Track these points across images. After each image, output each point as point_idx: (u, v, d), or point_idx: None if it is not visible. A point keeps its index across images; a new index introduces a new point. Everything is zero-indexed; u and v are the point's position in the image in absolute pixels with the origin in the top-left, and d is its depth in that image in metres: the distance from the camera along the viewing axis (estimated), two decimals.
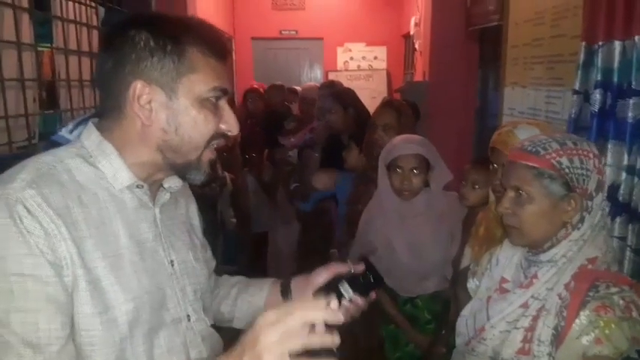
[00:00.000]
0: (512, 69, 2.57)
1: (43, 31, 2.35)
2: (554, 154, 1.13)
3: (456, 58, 4.18)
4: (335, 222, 2.84)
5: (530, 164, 1.15)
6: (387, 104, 2.55)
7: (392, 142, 2.11)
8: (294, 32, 7.25)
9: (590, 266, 1.13)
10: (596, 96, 1.64)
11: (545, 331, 1.11)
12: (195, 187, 1.12)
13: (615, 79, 1.61)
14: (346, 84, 4.03)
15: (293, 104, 4.64)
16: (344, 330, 0.72)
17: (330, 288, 1.07)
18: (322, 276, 1.13)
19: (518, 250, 1.29)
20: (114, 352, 0.87)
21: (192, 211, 1.17)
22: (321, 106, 3.18)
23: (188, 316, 1.01)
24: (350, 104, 3.12)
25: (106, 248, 0.88)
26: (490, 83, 3.92)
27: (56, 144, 0.93)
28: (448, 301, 1.97)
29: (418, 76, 5.29)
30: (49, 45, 2.42)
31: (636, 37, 1.53)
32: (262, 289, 1.21)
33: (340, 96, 3.15)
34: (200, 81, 0.91)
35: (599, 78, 1.64)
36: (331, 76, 6.62)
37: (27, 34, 2.19)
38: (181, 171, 0.98)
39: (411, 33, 5.62)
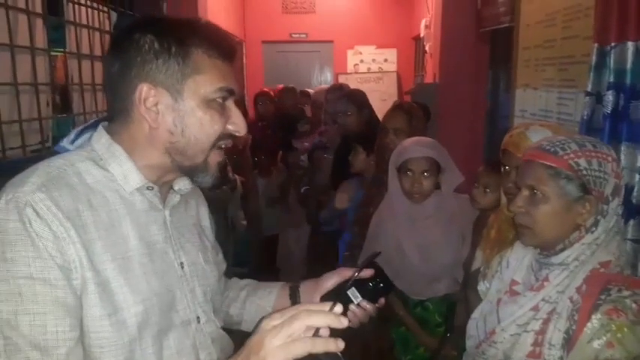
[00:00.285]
0: (523, 71, 2.55)
1: (57, 36, 2.38)
2: (572, 155, 1.12)
3: (466, 60, 4.17)
4: (345, 225, 2.84)
5: (548, 163, 1.14)
6: (397, 107, 2.55)
7: (402, 144, 2.10)
8: (304, 35, 7.26)
9: (602, 270, 1.12)
10: (609, 97, 1.63)
11: (556, 334, 1.10)
12: (206, 190, 1.12)
13: (628, 81, 1.59)
14: (356, 86, 4.03)
15: (306, 107, 4.65)
16: (354, 332, 0.72)
17: (339, 292, 1.07)
18: (331, 280, 1.13)
19: (529, 252, 1.28)
20: (123, 353, 0.87)
21: (202, 212, 1.17)
22: (335, 108, 3.16)
23: (198, 317, 1.01)
24: (364, 105, 3.13)
25: (115, 250, 0.89)
26: (501, 85, 3.90)
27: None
28: (454, 303, 1.96)
29: (429, 79, 5.28)
30: (62, 50, 2.45)
31: None
32: (271, 293, 1.22)
33: (355, 97, 3.15)
34: (206, 82, 0.92)
35: (611, 79, 1.63)
36: (341, 79, 6.62)
37: (40, 39, 2.22)
38: (189, 173, 0.98)
39: (422, 35, 5.61)
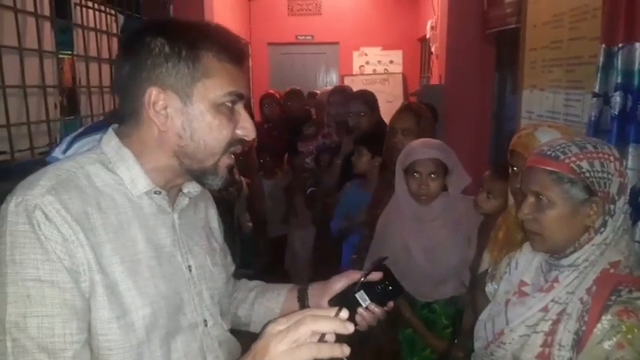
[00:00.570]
0: (530, 72, 2.54)
1: (64, 39, 2.40)
2: (573, 158, 1.12)
3: (472, 61, 4.16)
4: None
5: (550, 169, 1.14)
6: (406, 108, 2.54)
7: (410, 145, 2.10)
8: (310, 37, 7.27)
9: (612, 270, 1.12)
10: (616, 99, 1.62)
11: (566, 335, 1.10)
12: (213, 192, 1.12)
13: (636, 82, 1.58)
14: (362, 88, 4.03)
15: (313, 109, 4.65)
16: (363, 334, 0.72)
17: (347, 295, 1.06)
18: (339, 283, 1.13)
19: (538, 253, 1.27)
20: (131, 356, 0.88)
21: (211, 215, 1.17)
22: (346, 109, 3.15)
23: (205, 321, 1.01)
24: (376, 107, 3.13)
25: (124, 253, 0.89)
26: (507, 86, 3.89)
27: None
28: (461, 308, 1.96)
29: (434, 80, 5.27)
30: (69, 52, 2.46)
31: None
32: (279, 295, 1.22)
33: (368, 98, 3.16)
34: (215, 86, 0.92)
35: (619, 80, 1.62)
36: (347, 81, 6.63)
37: (48, 42, 2.24)
38: (198, 177, 0.98)
39: (427, 36, 5.60)
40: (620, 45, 1.61)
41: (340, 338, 0.71)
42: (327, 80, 7.42)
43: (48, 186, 0.84)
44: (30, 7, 2.07)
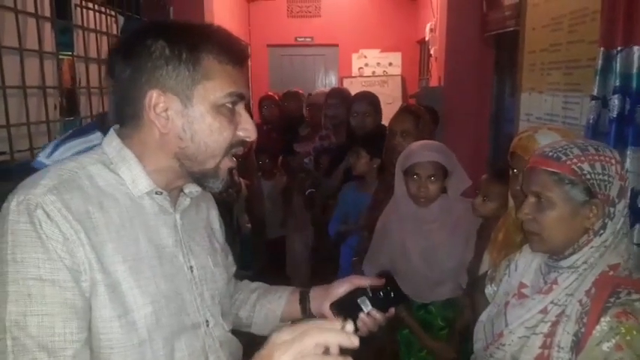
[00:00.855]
0: (529, 74, 2.56)
1: (65, 40, 2.40)
2: (575, 160, 1.13)
3: (471, 64, 4.17)
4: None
5: (551, 170, 1.15)
6: (405, 110, 2.55)
7: (410, 147, 2.10)
8: (309, 39, 7.27)
9: (611, 273, 1.12)
10: (615, 102, 1.63)
11: (565, 337, 1.11)
12: (213, 193, 1.13)
13: (634, 85, 1.59)
14: (362, 90, 4.03)
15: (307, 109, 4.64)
16: (364, 338, 0.71)
17: (350, 301, 1.06)
18: (341, 288, 1.13)
19: (537, 255, 1.28)
20: (132, 354, 0.88)
21: (213, 215, 1.18)
22: (355, 110, 3.14)
23: (207, 321, 1.02)
24: (379, 109, 3.13)
25: (125, 252, 0.89)
26: (506, 89, 3.90)
27: (35, 170, 0.94)
28: (459, 308, 1.97)
29: (434, 82, 5.28)
30: (70, 53, 2.47)
31: None
32: (281, 297, 1.22)
33: (374, 99, 3.15)
34: (216, 88, 0.92)
35: (617, 83, 1.63)
36: (346, 83, 6.64)
37: (49, 43, 2.24)
38: (199, 179, 0.99)
39: (427, 39, 5.61)
40: (619, 48, 1.62)
41: (344, 349, 0.70)
42: (327, 82, 7.42)
43: (50, 185, 0.85)
44: (30, 8, 2.07)
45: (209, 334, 1.02)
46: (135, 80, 0.91)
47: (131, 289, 0.88)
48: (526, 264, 1.31)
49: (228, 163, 0.98)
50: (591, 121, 1.72)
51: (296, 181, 3.95)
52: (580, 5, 2.02)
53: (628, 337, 1.02)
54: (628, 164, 1.59)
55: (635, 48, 1.58)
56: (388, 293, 1.05)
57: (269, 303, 1.22)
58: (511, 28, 3.22)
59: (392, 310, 1.08)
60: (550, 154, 1.16)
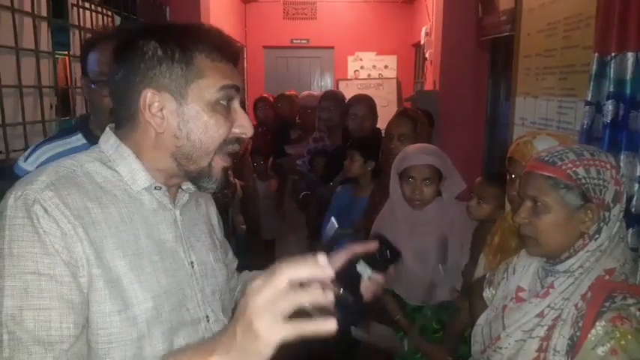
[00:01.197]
0: (523, 79, 2.57)
1: (61, 39, 2.40)
2: (570, 165, 1.14)
3: (466, 68, 4.19)
4: None
5: (547, 174, 1.16)
6: (402, 113, 2.56)
7: (405, 150, 2.11)
8: (305, 41, 7.29)
9: (607, 277, 1.13)
10: (609, 107, 1.64)
11: (560, 341, 1.11)
12: (210, 193, 1.13)
13: (628, 91, 1.60)
14: (357, 93, 4.04)
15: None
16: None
17: (348, 270, 1.06)
18: (338, 260, 1.13)
19: (535, 259, 1.29)
20: (131, 349, 0.88)
21: (212, 212, 1.18)
22: (354, 113, 3.14)
23: (207, 317, 1.02)
24: (376, 112, 3.14)
25: (126, 247, 0.89)
26: (501, 93, 3.92)
27: (17, 177, 0.94)
28: (453, 310, 1.98)
29: (428, 86, 5.31)
30: (66, 52, 2.46)
31: None
32: None
33: (372, 102, 3.16)
34: (209, 85, 0.93)
35: (611, 89, 1.64)
36: (342, 85, 6.64)
37: (45, 42, 2.24)
38: (195, 178, 0.99)
39: (422, 42, 5.64)
40: (613, 54, 1.63)
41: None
42: (322, 84, 7.44)
43: (47, 181, 0.85)
44: (27, 7, 2.07)
45: (209, 329, 1.02)
46: (129, 81, 0.92)
47: (132, 283, 0.89)
48: (524, 268, 1.32)
49: (222, 162, 0.98)
50: (585, 127, 1.74)
51: (288, 184, 3.96)
52: (575, 11, 2.04)
53: (623, 342, 1.03)
54: (622, 169, 1.60)
55: (629, 54, 1.59)
56: (384, 253, 1.05)
57: None
58: (506, 33, 3.24)
59: (391, 269, 1.07)
60: (546, 158, 1.18)
